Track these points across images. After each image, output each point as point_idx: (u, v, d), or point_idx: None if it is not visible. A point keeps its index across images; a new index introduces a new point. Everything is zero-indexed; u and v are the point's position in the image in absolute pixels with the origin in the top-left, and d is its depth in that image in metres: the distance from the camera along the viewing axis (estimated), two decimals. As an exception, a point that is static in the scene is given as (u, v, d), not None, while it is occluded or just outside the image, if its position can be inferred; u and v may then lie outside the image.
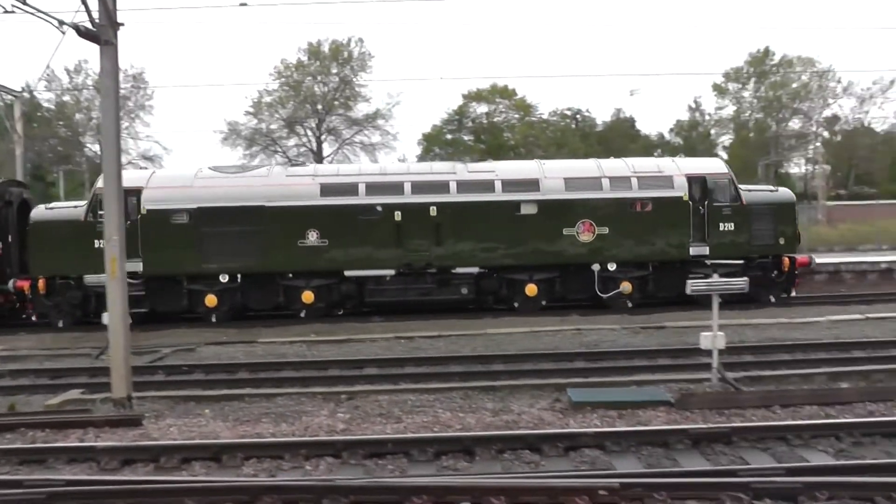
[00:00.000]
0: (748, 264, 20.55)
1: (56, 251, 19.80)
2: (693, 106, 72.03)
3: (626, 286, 20.67)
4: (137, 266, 19.38)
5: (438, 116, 67.83)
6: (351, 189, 20.36)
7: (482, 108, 63.34)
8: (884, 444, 8.95)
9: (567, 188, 20.64)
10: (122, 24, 10.94)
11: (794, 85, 66.78)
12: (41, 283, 19.87)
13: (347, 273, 20.22)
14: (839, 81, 66.30)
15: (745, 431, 8.98)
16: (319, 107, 58.53)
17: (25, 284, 19.99)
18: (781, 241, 21.01)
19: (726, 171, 21.64)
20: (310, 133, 59.60)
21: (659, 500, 6.81)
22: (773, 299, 20.96)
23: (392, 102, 59.29)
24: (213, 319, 20.05)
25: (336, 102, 58.83)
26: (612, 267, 20.65)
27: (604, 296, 20.69)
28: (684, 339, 15.05)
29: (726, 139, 71.07)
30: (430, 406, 10.57)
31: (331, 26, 70.96)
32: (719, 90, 69.15)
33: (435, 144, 62.81)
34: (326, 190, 20.30)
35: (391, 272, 20.23)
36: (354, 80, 58.64)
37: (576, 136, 63.25)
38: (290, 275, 20.25)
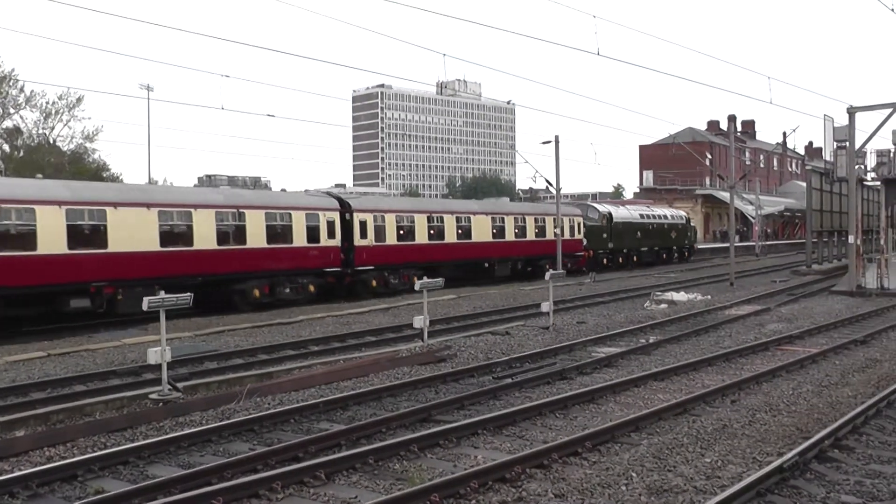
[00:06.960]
0: (687, 248, 58.69)
1: (591, 239, 44.75)
2: None
3: (678, 255, 56.64)
4: (609, 245, 47.59)
5: None
6: (644, 217, 52.59)
7: None
8: (64, 489, 8.25)
9: (668, 219, 55.74)
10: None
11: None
12: (591, 253, 44.44)
13: (641, 249, 51.15)
14: (22, 90, 58.85)
15: None
16: None
17: (585, 254, 43.50)
18: (692, 238, 60.21)
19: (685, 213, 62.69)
20: None
21: None
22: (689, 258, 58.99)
23: None
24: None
25: None
26: (675, 247, 56.18)
27: (676, 256, 55.94)
28: None
29: None
30: None
31: None
32: None
33: None
34: (642, 216, 52.32)
35: (648, 249, 52.14)
36: None
37: None
38: (630, 250, 50.08)
